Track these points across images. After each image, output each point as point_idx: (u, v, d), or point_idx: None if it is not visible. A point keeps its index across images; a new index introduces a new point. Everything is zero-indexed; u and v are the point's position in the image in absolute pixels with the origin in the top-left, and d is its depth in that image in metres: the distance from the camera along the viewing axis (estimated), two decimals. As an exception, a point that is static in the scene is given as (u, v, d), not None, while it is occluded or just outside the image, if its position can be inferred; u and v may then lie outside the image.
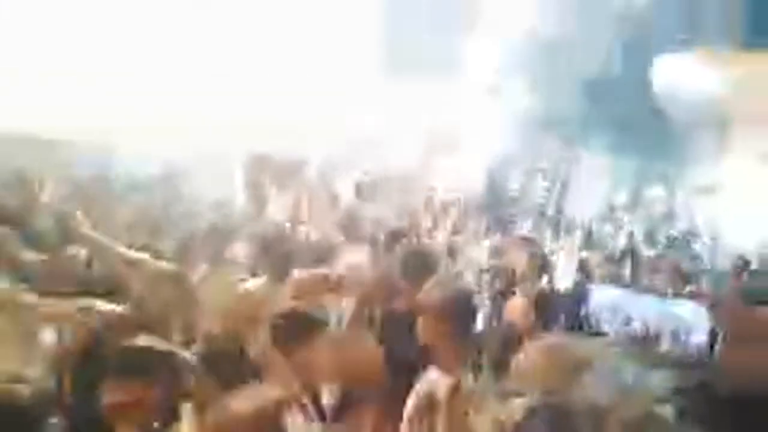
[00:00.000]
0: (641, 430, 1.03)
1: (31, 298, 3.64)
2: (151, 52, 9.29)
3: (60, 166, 7.61)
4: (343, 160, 11.47)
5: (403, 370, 3.40)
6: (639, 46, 13.39)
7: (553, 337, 1.35)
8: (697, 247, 11.23)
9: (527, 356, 1.34)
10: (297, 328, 3.23)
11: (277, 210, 8.79)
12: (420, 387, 3.27)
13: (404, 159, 12.53)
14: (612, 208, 12.91)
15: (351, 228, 6.84)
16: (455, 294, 3.36)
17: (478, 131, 13.44)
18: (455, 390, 3.07)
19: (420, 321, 3.27)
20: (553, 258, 7.11)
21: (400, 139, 12.10)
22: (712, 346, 3.80)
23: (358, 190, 10.39)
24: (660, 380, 1.05)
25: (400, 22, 13.22)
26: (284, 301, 3.92)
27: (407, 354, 3.47)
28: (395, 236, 5.77)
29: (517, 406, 1.23)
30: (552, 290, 5.43)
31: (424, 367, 3.34)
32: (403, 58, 12.81)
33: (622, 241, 10.33)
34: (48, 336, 3.67)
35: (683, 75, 13.68)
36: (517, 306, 5.02)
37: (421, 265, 4.40)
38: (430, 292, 3.35)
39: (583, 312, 4.40)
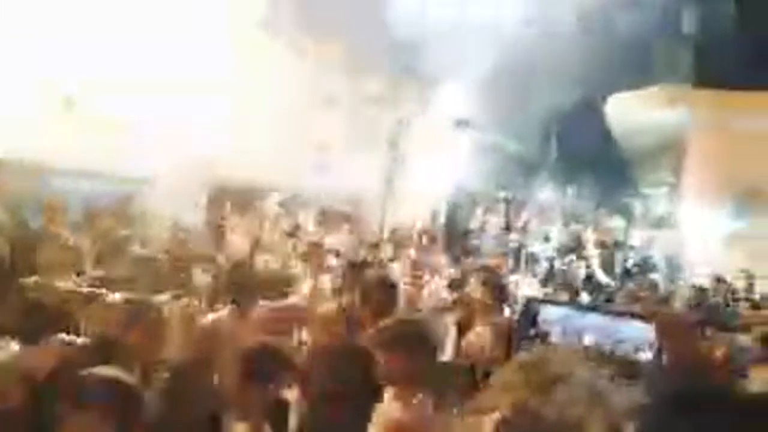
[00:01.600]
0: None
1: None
2: (111, 73, 9.18)
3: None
4: (305, 189, 11.47)
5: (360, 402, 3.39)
6: (595, 84, 13.73)
7: (525, 354, 1.36)
8: (654, 277, 11.47)
9: (501, 374, 1.36)
10: (269, 364, 3.20)
11: (236, 239, 8.76)
12: (377, 419, 3.27)
13: (365, 188, 12.57)
14: (572, 240, 13.11)
15: (312, 258, 6.82)
16: (410, 327, 3.37)
17: (440, 163, 13.56)
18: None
19: (377, 355, 3.26)
20: (513, 287, 7.22)
21: (363, 169, 12.14)
22: (659, 360, 3.91)
23: (319, 220, 10.42)
24: (626, 394, 1.08)
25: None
26: (249, 333, 3.89)
27: (361, 386, 3.48)
28: (358, 267, 5.79)
29: (487, 420, 1.24)
30: (512, 320, 5.49)
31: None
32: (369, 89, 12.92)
33: (581, 272, 10.48)
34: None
35: (637, 112, 14.04)
36: (477, 336, 5.05)
37: (383, 295, 4.41)
38: (384, 327, 3.35)
39: (533, 332, 4.46)
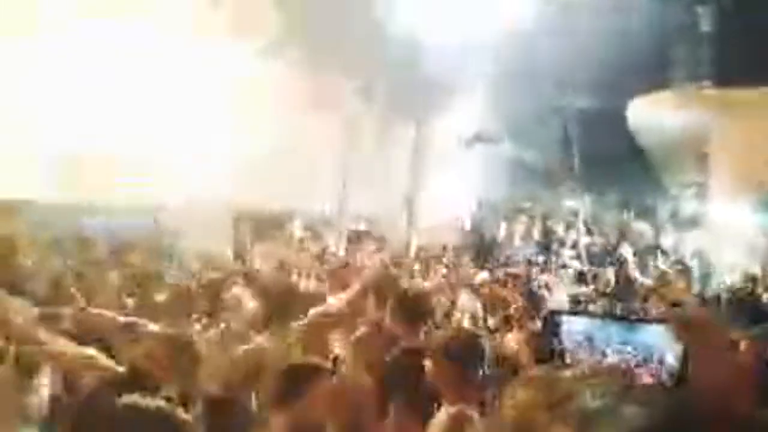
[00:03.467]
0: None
1: (44, 334, 3.62)
2: (132, 108, 9.35)
3: (37, 228, 7.53)
4: (330, 210, 11.53)
5: (412, 410, 3.40)
6: (616, 87, 13.68)
7: (535, 371, 1.34)
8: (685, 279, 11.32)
9: (511, 391, 1.34)
10: (295, 382, 3.19)
11: (263, 262, 8.80)
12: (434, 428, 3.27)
13: (385, 209, 12.61)
14: (599, 245, 13.00)
15: (339, 278, 6.81)
16: (462, 336, 3.44)
17: (460, 178, 13.56)
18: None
19: (428, 363, 3.31)
20: (543, 294, 7.17)
21: (382, 189, 12.19)
22: (683, 370, 3.79)
23: (348, 239, 10.45)
24: (632, 412, 1.05)
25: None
26: (285, 356, 3.89)
27: (414, 395, 3.49)
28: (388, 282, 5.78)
29: None
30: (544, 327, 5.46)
31: (438, 407, 3.35)
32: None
33: (609, 276, 10.37)
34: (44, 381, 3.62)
35: (659, 114, 13.96)
36: (513, 341, 5.03)
37: (415, 309, 4.41)
38: (438, 335, 3.41)
39: (556, 344, 4.39)
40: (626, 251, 11.65)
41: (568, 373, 1.23)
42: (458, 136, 13.98)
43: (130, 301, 5.33)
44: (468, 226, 13.63)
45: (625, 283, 9.69)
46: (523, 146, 14.92)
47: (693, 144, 14.08)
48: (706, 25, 14.25)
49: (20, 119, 8.71)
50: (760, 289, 9.34)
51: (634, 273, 10.28)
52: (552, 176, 15.65)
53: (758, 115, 12.73)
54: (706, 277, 11.23)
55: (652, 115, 14.17)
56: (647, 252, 12.47)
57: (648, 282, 9.78)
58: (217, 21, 10.30)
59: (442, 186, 12.93)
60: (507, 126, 14.26)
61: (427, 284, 7.48)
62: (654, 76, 13.95)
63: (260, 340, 4.52)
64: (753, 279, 9.86)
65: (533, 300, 6.47)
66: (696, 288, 9.89)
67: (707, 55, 14.13)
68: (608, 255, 12.10)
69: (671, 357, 4.21)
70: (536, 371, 1.32)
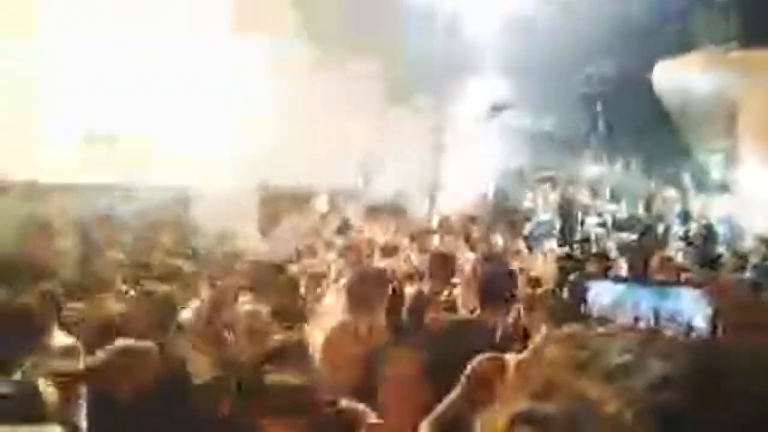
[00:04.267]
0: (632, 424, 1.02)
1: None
2: (150, 80, 9.42)
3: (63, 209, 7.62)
4: (354, 186, 11.57)
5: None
6: (640, 51, 13.43)
7: (567, 329, 1.33)
8: (717, 247, 11.19)
9: (543, 347, 1.34)
10: None
11: (288, 239, 8.84)
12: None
13: (410, 182, 12.59)
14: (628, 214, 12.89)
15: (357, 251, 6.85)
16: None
17: (484, 149, 13.48)
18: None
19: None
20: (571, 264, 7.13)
21: (406, 162, 12.16)
22: (714, 334, 3.79)
23: (368, 214, 10.45)
24: (658, 371, 1.03)
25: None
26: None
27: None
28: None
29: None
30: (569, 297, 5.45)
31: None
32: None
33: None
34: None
35: (685, 77, 13.70)
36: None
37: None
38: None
39: (584, 310, 4.37)
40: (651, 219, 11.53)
41: (600, 330, 1.22)
42: (479, 107, 13.87)
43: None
44: (492, 197, 13.55)
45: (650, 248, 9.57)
46: (545, 116, 14.77)
47: (720, 107, 13.81)
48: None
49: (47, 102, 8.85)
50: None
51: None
52: (576, 146, 15.47)
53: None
54: (733, 242, 11.08)
55: (677, 78, 13.91)
56: (675, 218, 12.35)
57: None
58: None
59: (464, 159, 12.88)
60: (528, 96, 14.11)
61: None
62: (678, 39, 13.67)
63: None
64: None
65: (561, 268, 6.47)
66: (724, 254, 9.76)
67: (732, 17, 13.79)
68: (635, 222, 11.99)
69: (701, 321, 4.18)
70: (568, 329, 1.31)
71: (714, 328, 3.64)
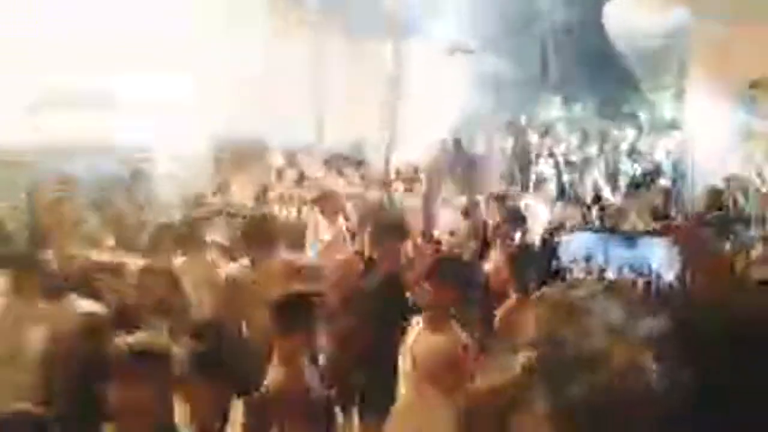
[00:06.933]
0: (629, 379, 1.10)
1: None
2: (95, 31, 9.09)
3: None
4: (309, 138, 11.46)
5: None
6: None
7: (547, 289, 1.39)
8: (663, 183, 11.44)
9: (525, 311, 1.40)
10: (299, 312, 3.35)
11: (242, 191, 8.82)
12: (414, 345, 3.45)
13: (366, 131, 12.54)
14: (578, 155, 13.07)
15: (326, 205, 6.86)
16: (458, 264, 3.70)
17: (440, 94, 13.43)
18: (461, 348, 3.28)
19: (417, 286, 3.53)
20: (525, 211, 7.24)
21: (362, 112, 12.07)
22: (684, 283, 3.93)
23: (327, 165, 10.43)
24: (643, 325, 1.11)
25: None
26: (269, 284, 3.98)
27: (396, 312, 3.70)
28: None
29: (519, 358, 1.29)
30: (526, 244, 5.53)
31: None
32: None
33: (588, 187, 10.48)
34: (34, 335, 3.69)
35: (636, 16, 13.79)
36: (496, 266, 5.13)
37: (394, 230, 4.53)
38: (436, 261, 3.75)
39: (555, 264, 4.52)
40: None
41: (580, 292, 1.29)
42: (435, 50, 13.77)
43: (110, 242, 5.37)
44: (449, 145, 13.58)
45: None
46: (500, 59, 14.75)
47: (671, 45, 13.96)
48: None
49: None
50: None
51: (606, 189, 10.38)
52: (532, 89, 15.52)
53: (739, 16, 12.53)
54: (680, 179, 11.35)
55: (629, 16, 13.98)
56: (628, 157, 12.59)
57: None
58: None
59: (421, 105, 12.82)
60: (484, 39, 14.06)
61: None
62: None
63: (238, 267, 4.62)
64: (729, 180, 9.92)
65: (515, 215, 6.52)
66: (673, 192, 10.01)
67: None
68: (586, 163, 12.18)
69: (667, 269, 4.31)
70: (549, 290, 1.38)
71: (683, 276, 3.79)
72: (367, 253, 4.64)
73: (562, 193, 10.63)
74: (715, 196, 9.15)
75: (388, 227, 4.56)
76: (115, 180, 8.22)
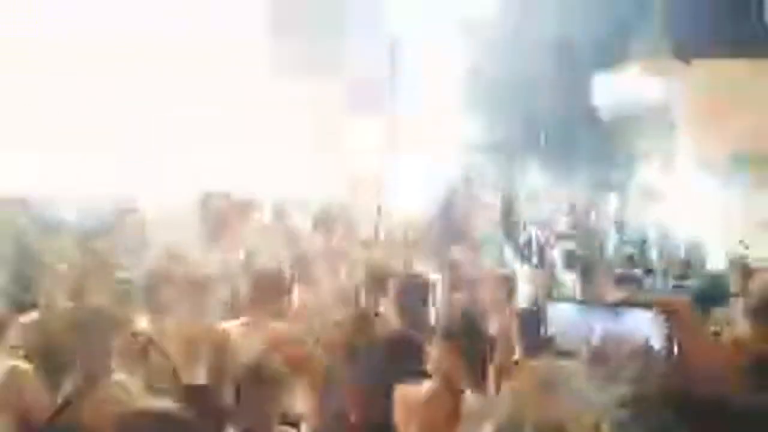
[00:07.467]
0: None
1: None
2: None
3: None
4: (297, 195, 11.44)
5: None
6: (577, 65, 13.76)
7: (534, 362, 1.39)
8: (648, 252, 11.51)
9: (514, 381, 1.38)
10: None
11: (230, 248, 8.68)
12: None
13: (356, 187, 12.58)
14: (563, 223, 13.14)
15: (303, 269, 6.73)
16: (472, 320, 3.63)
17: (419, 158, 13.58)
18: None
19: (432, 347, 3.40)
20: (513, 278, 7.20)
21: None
22: (670, 354, 3.89)
23: (314, 224, 10.35)
24: (617, 394, 1.10)
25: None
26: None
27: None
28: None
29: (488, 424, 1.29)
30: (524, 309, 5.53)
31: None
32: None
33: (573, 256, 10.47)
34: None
35: (624, 88, 14.09)
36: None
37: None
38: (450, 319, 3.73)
39: (543, 331, 4.46)
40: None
41: (564, 363, 1.30)
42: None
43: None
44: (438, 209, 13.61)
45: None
46: (493, 127, 14.98)
47: (658, 115, 14.23)
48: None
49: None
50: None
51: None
52: (520, 158, 15.71)
53: (724, 85, 12.84)
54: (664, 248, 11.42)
55: (614, 89, 14.28)
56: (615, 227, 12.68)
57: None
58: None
59: (412, 168, 12.95)
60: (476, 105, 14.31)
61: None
62: (615, 49, 14.04)
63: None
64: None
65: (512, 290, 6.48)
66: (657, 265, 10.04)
67: (667, 27, 14.19)
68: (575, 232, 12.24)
69: (656, 342, 4.29)
70: (536, 362, 1.38)
71: (670, 347, 3.76)
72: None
73: (544, 261, 10.64)
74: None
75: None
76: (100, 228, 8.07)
